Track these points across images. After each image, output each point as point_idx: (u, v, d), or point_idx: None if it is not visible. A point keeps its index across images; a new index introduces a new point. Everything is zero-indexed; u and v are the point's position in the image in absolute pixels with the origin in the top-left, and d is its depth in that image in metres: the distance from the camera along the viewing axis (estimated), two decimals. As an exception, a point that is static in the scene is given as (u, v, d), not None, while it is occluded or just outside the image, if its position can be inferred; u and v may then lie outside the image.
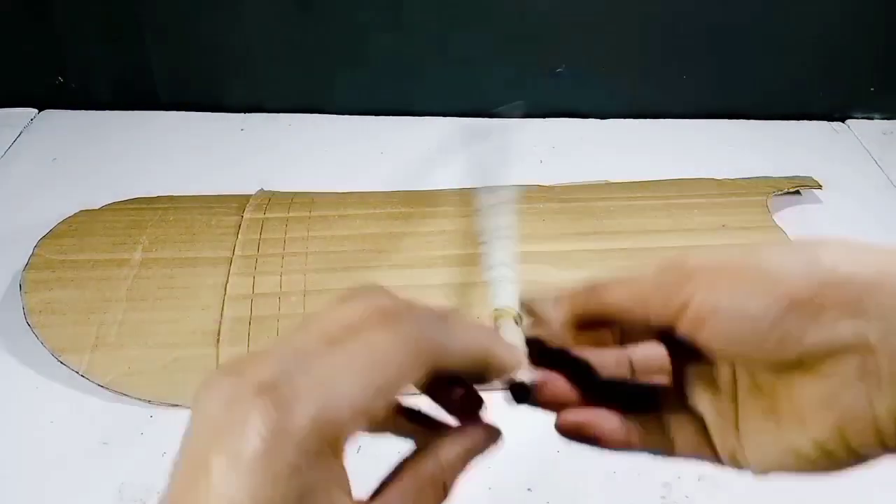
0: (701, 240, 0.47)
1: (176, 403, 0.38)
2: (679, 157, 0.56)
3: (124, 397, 0.38)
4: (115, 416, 0.37)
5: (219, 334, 0.40)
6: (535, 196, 0.51)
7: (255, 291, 0.42)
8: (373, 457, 0.38)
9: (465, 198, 0.49)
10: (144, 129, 0.60)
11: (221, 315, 0.41)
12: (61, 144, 0.58)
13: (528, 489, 0.35)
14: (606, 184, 0.53)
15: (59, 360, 0.38)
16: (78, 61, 0.60)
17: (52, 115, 0.62)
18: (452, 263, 0.42)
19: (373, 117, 0.63)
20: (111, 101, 0.62)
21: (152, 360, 0.39)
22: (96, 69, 0.61)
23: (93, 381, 0.38)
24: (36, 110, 0.62)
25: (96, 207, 0.48)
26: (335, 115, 0.63)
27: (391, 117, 0.63)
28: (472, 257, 0.44)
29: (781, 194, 0.53)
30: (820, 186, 0.54)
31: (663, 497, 0.34)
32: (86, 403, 0.38)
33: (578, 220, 0.48)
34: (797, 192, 0.54)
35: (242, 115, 0.63)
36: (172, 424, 0.37)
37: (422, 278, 0.43)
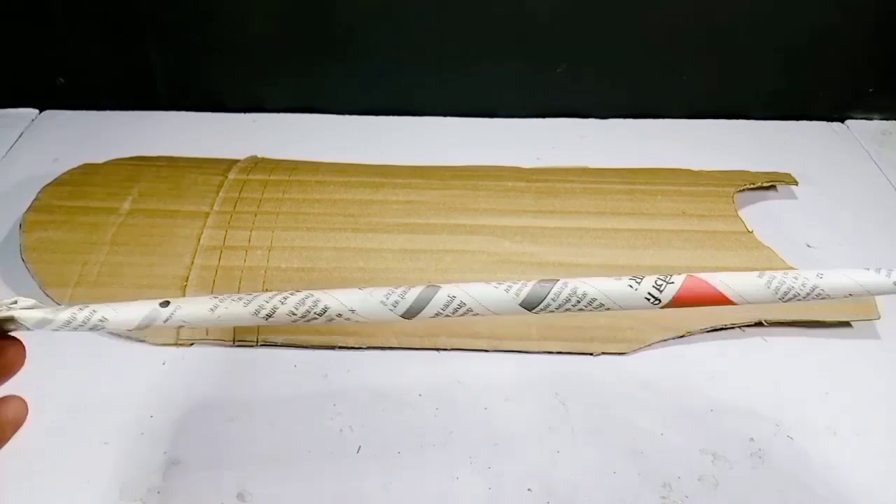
0: (658, 224, 0.48)
1: (142, 340, 0.41)
2: (679, 157, 0.56)
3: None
4: (115, 415, 0.37)
5: (187, 279, 0.43)
6: (506, 175, 0.53)
7: (226, 244, 0.46)
8: (372, 457, 0.38)
9: (434, 172, 0.53)
10: (144, 129, 0.60)
11: (192, 262, 0.44)
12: (62, 145, 0.58)
13: (528, 489, 0.35)
14: (580, 169, 0.55)
15: (45, 293, 0.42)
16: (78, 61, 0.60)
17: (52, 115, 0.62)
18: (410, 230, 0.47)
19: (373, 117, 0.63)
20: (111, 101, 0.63)
21: (125, 298, 0.42)
22: (96, 69, 0.61)
23: None
24: (37, 111, 0.62)
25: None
26: (335, 115, 0.63)
27: (391, 117, 0.63)
28: (430, 226, 0.48)
29: (755, 188, 0.53)
30: (796, 182, 0.54)
31: (663, 497, 0.34)
32: (86, 403, 0.38)
33: (540, 198, 0.50)
34: (773, 188, 0.54)
35: (242, 115, 0.63)
36: (172, 424, 0.37)
37: (380, 242, 0.46)
